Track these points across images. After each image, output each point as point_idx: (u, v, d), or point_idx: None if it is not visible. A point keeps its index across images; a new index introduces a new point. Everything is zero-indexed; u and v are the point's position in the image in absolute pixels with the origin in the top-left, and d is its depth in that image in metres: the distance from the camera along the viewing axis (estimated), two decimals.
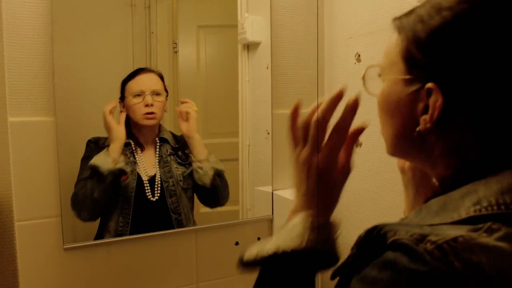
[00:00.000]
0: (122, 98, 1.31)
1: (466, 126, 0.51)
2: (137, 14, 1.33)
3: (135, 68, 1.31)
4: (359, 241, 0.51)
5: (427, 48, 0.51)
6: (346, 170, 0.62)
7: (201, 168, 1.36)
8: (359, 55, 1.36)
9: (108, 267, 1.22)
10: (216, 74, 1.49)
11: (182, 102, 1.37)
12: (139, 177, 1.31)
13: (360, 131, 0.61)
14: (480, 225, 0.44)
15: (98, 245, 1.21)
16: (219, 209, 1.41)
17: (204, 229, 1.35)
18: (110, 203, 1.27)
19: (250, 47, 1.46)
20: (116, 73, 1.33)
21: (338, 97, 0.60)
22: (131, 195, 1.29)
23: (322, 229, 0.58)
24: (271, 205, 1.44)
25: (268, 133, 1.43)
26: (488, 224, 0.44)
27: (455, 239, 0.42)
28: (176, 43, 1.41)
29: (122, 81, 1.30)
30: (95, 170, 1.22)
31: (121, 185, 1.28)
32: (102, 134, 1.27)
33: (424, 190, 0.70)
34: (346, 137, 0.61)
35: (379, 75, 0.60)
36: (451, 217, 0.47)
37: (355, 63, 1.37)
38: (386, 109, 0.58)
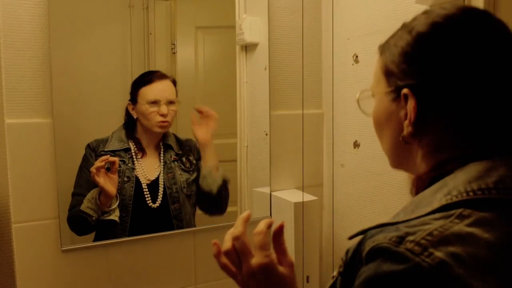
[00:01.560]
0: (133, 101, 1.30)
1: (441, 125, 0.56)
2: (135, 15, 1.33)
3: (133, 69, 1.31)
4: (346, 259, 0.53)
5: (399, 61, 0.58)
6: (289, 263, 0.65)
7: (210, 175, 1.36)
8: (356, 56, 1.36)
9: (106, 269, 1.21)
10: (214, 75, 1.49)
11: (200, 111, 1.36)
12: (137, 183, 1.29)
13: (280, 229, 0.66)
14: (452, 212, 0.48)
15: (96, 247, 1.21)
16: None
17: (202, 230, 1.35)
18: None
19: (248, 48, 1.46)
20: (114, 75, 1.33)
21: (246, 219, 0.67)
22: (129, 202, 1.27)
23: None
24: (269, 206, 1.44)
25: (266, 134, 1.43)
26: (460, 210, 0.48)
27: (430, 233, 0.45)
28: (174, 44, 1.41)
29: (134, 84, 1.29)
30: (84, 218, 1.20)
31: (123, 183, 1.27)
32: (100, 135, 1.27)
33: None
34: (273, 237, 0.65)
35: (373, 95, 0.66)
36: (425, 210, 0.50)
37: (353, 64, 1.38)
38: (378, 123, 0.64)
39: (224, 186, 1.38)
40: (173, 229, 1.32)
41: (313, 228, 1.44)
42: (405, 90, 0.57)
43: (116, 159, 1.23)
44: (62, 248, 1.15)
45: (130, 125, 1.32)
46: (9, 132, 1.07)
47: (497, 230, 0.47)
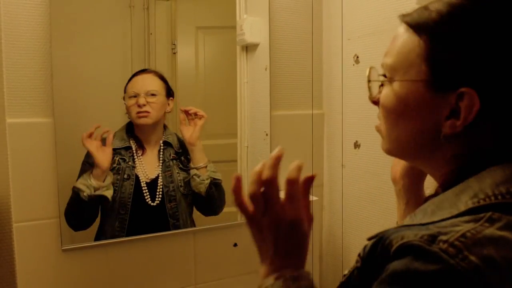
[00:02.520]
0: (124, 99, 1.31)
1: (490, 130, 0.51)
2: (135, 15, 1.33)
3: (133, 69, 1.32)
4: (364, 254, 0.50)
5: (458, 51, 0.50)
6: (310, 218, 0.60)
7: (198, 176, 1.35)
8: (357, 57, 1.36)
9: (106, 269, 1.21)
10: (214, 76, 1.49)
11: (186, 112, 1.35)
12: (137, 181, 1.30)
13: (310, 180, 0.59)
14: (481, 215, 0.46)
15: (96, 246, 1.21)
16: None
17: (202, 231, 1.35)
18: (102, 211, 1.27)
19: (249, 48, 1.47)
20: (115, 74, 1.33)
21: (278, 159, 0.58)
22: (128, 200, 1.28)
23: (304, 279, 0.56)
24: None
25: (267, 134, 1.43)
26: (489, 214, 0.45)
27: (463, 235, 0.43)
28: (174, 44, 1.41)
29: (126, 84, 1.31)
30: (77, 193, 1.21)
31: (123, 180, 1.28)
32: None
33: (415, 198, 0.71)
34: (300, 187, 0.58)
35: (384, 75, 0.59)
36: (450, 212, 0.48)
37: (353, 65, 1.38)
38: (401, 111, 0.56)
39: (212, 186, 1.36)
40: (169, 228, 1.32)
41: (313, 228, 1.44)
42: (465, 89, 0.49)
43: (109, 130, 1.25)
44: (63, 248, 1.15)
45: (131, 124, 1.33)
46: (10, 132, 1.07)
47: None
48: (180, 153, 1.37)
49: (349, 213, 1.42)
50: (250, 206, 0.59)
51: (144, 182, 1.31)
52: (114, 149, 1.27)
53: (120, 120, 1.32)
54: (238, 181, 0.59)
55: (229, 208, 1.44)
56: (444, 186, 0.55)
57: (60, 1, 1.13)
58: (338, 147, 1.47)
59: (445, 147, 0.54)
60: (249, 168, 1.48)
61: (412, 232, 0.45)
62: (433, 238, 0.44)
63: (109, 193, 1.25)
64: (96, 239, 1.25)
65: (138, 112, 1.29)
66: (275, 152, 0.58)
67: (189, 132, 1.34)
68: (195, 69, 1.46)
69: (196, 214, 1.40)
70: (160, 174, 1.33)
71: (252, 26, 1.42)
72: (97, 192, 1.23)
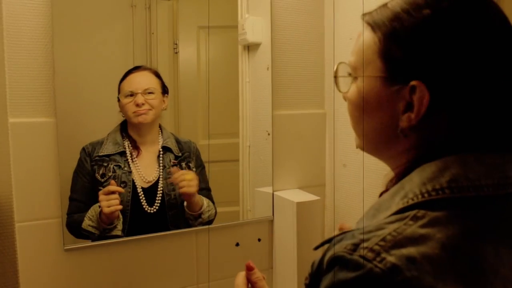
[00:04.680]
0: (118, 99, 1.28)
1: (446, 123, 0.53)
2: (137, 15, 1.33)
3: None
4: (311, 271, 0.54)
5: (408, 47, 0.52)
6: None
7: (191, 219, 1.33)
8: None
9: (108, 268, 1.21)
10: (216, 75, 1.49)
11: (174, 174, 1.31)
12: (134, 187, 1.27)
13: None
14: (406, 214, 0.49)
15: (98, 246, 1.21)
16: (219, 209, 1.40)
17: (204, 230, 1.35)
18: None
19: (251, 48, 1.46)
20: (117, 74, 1.33)
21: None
22: (126, 208, 1.25)
23: None
24: (271, 206, 1.44)
25: (269, 134, 1.43)
26: (414, 212, 0.48)
27: (384, 239, 0.46)
28: (176, 43, 1.41)
29: (119, 82, 1.29)
30: (86, 236, 1.20)
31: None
32: (103, 134, 1.27)
33: None
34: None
35: (349, 74, 0.61)
36: (385, 215, 0.51)
37: None
38: (363, 107, 0.58)
39: (207, 224, 1.35)
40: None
41: (315, 228, 1.44)
42: (415, 82, 0.52)
43: (122, 190, 1.22)
44: (65, 248, 1.15)
45: (124, 124, 1.30)
46: (13, 131, 1.07)
47: (449, 229, 0.47)
48: (180, 159, 1.34)
49: (351, 212, 1.42)
50: None
51: (141, 188, 1.28)
52: (107, 155, 1.25)
53: (121, 120, 1.31)
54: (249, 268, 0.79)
55: (231, 207, 1.44)
56: (397, 180, 0.57)
57: (62, 1, 1.13)
58: (340, 146, 1.47)
59: (404, 141, 0.56)
60: (251, 167, 1.48)
61: (340, 243, 0.48)
62: (355, 247, 0.46)
63: (119, 231, 1.24)
64: (97, 239, 1.24)
65: (136, 111, 1.26)
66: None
67: (185, 191, 1.30)
68: (196, 69, 1.46)
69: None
70: (160, 181, 1.31)
71: (254, 25, 1.42)
72: (108, 233, 1.22)
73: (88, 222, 1.20)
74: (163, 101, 1.32)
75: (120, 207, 1.21)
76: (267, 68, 1.42)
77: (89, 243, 1.20)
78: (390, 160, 0.61)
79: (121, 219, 1.24)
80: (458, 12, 0.51)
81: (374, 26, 0.56)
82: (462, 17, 0.51)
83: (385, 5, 0.56)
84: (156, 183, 1.31)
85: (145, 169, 1.30)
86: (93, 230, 1.20)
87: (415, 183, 0.51)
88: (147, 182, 1.29)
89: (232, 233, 1.38)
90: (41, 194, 1.12)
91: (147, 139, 1.32)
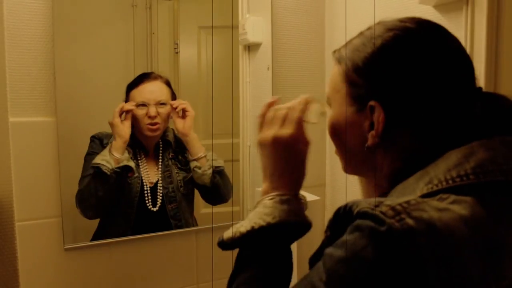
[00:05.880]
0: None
1: (409, 134, 0.57)
2: (138, 15, 1.33)
3: (136, 68, 1.31)
4: (330, 223, 0.56)
5: (364, 72, 0.59)
6: (305, 141, 0.69)
7: (199, 167, 1.33)
8: None
9: (108, 268, 1.22)
10: (217, 75, 1.49)
11: (173, 107, 1.32)
12: (142, 185, 1.29)
13: (306, 104, 0.70)
14: (432, 198, 0.50)
15: (99, 246, 1.21)
16: (220, 209, 1.41)
17: (205, 230, 1.35)
18: (114, 201, 1.26)
19: (251, 48, 1.46)
20: (117, 74, 1.33)
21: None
22: (134, 199, 1.27)
23: (292, 203, 0.65)
24: None
25: None
26: (439, 195, 0.50)
27: (407, 201, 0.48)
28: (177, 43, 1.41)
29: (127, 86, 1.29)
30: (98, 169, 1.20)
31: (128, 181, 1.26)
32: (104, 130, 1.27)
33: None
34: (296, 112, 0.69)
35: (328, 104, 0.67)
36: (409, 198, 0.51)
37: None
38: (336, 132, 0.65)
39: (216, 175, 1.34)
40: (172, 229, 1.31)
41: (315, 228, 1.44)
42: (372, 102, 0.58)
43: (131, 106, 1.25)
44: (65, 247, 1.15)
45: (132, 125, 1.31)
46: (13, 131, 1.08)
47: (475, 209, 0.48)
48: (177, 151, 1.35)
49: None
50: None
51: (148, 187, 1.30)
52: None
53: None
54: (272, 103, 0.71)
55: (231, 207, 1.44)
56: (394, 183, 0.59)
57: (63, 0, 1.13)
58: None
59: (380, 158, 0.60)
60: (252, 167, 1.48)
61: (366, 201, 0.50)
62: (379, 204, 0.48)
63: (132, 164, 1.24)
64: (97, 237, 1.25)
65: (149, 124, 1.28)
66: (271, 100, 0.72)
67: (181, 124, 1.32)
68: (197, 69, 1.46)
69: (198, 213, 1.40)
70: (159, 176, 1.32)
71: (255, 25, 1.42)
72: (121, 164, 1.22)
73: (99, 157, 1.21)
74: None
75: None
76: (268, 68, 1.42)
77: (89, 242, 1.21)
78: (371, 178, 0.65)
79: (131, 153, 1.24)
80: (402, 41, 0.58)
81: (340, 59, 0.64)
82: (409, 43, 0.58)
83: (350, 41, 0.64)
84: (158, 181, 1.32)
85: (150, 169, 1.32)
86: (105, 163, 1.20)
87: (440, 169, 0.53)
88: (151, 183, 1.31)
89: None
90: (41, 193, 1.12)
91: (153, 142, 1.34)
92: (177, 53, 1.41)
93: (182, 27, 1.42)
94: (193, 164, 1.33)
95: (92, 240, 1.24)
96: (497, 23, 0.97)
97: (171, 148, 1.35)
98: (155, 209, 1.30)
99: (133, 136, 1.30)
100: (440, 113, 0.56)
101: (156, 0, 1.36)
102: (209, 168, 1.33)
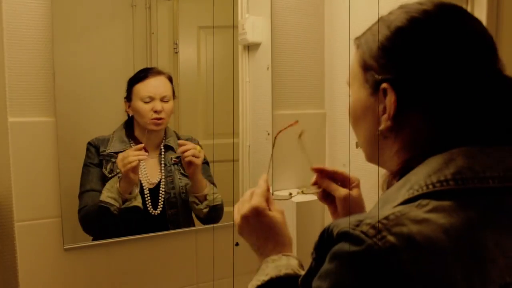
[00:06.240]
0: (128, 98, 1.29)
1: (418, 120, 0.57)
2: (137, 15, 1.33)
3: (135, 68, 1.31)
4: (315, 245, 0.56)
5: (378, 56, 0.60)
6: (277, 209, 0.82)
7: (196, 203, 1.32)
8: None
9: (108, 268, 1.21)
10: (216, 75, 1.49)
11: (182, 146, 1.31)
12: (141, 187, 1.27)
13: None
14: (412, 203, 0.51)
15: (98, 246, 1.21)
16: None
17: (204, 230, 1.35)
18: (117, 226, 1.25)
19: (251, 47, 1.46)
20: (117, 74, 1.33)
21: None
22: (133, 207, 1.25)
23: (281, 260, 0.72)
24: None
25: (268, 134, 1.43)
26: (418, 201, 0.51)
27: (386, 217, 0.48)
28: (176, 43, 1.41)
29: (129, 81, 1.29)
30: (106, 209, 1.19)
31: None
32: (104, 133, 1.27)
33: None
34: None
35: (349, 88, 0.67)
36: (391, 206, 0.53)
37: None
38: (354, 117, 0.66)
39: (212, 212, 1.34)
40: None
41: (315, 228, 1.44)
42: (384, 85, 0.58)
43: (145, 155, 1.23)
44: (65, 247, 1.15)
45: (129, 123, 1.31)
46: (12, 131, 1.08)
47: (453, 216, 0.49)
48: (180, 157, 1.34)
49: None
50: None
51: (148, 189, 1.29)
52: (115, 153, 1.25)
53: (122, 119, 1.31)
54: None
55: (231, 207, 1.44)
56: (394, 180, 0.60)
57: (62, 0, 1.13)
58: (339, 146, 1.47)
59: (389, 144, 0.60)
60: (251, 167, 1.48)
61: (346, 220, 0.50)
62: (358, 223, 0.48)
63: (138, 202, 1.23)
64: (95, 238, 1.24)
65: (155, 119, 1.27)
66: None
67: (189, 169, 1.31)
68: (197, 69, 1.46)
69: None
70: (162, 180, 1.31)
71: (254, 25, 1.42)
72: (127, 204, 1.21)
73: (106, 194, 1.20)
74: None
75: (144, 155, 1.22)
76: (267, 68, 1.42)
77: (89, 242, 1.20)
78: (385, 164, 0.65)
79: (138, 187, 1.23)
80: (416, 23, 0.58)
81: (358, 45, 0.65)
82: (417, 27, 0.58)
83: (370, 27, 0.65)
84: (159, 184, 1.31)
85: (150, 169, 1.31)
86: (112, 202, 1.19)
87: (420, 175, 0.53)
88: (151, 184, 1.30)
89: (232, 233, 1.38)
90: (40, 194, 1.12)
91: (154, 142, 1.33)
92: (176, 53, 1.41)
93: (182, 27, 1.42)
94: (191, 199, 1.33)
95: (93, 240, 1.23)
96: (497, 22, 0.97)
97: (174, 152, 1.34)
98: (156, 212, 1.29)
99: (133, 135, 1.30)
100: (453, 95, 0.56)
101: (156, 0, 1.36)
102: (205, 207, 1.33)
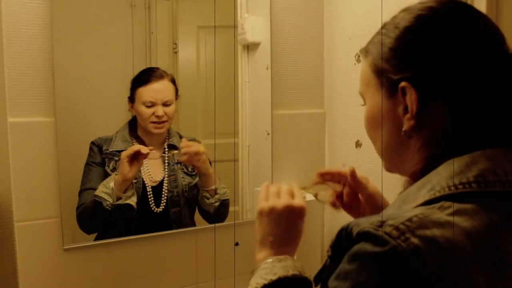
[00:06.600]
0: (132, 99, 1.29)
1: (440, 115, 0.56)
2: (137, 15, 1.33)
3: (134, 68, 1.31)
4: (332, 243, 0.55)
5: (390, 57, 0.59)
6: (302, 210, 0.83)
7: (207, 197, 1.33)
8: (359, 56, 1.36)
9: (108, 268, 1.21)
10: (216, 75, 1.49)
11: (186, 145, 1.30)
12: (143, 185, 1.28)
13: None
14: (434, 205, 0.50)
15: (98, 246, 1.21)
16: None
17: (204, 230, 1.35)
18: (114, 224, 1.25)
19: (250, 47, 1.46)
20: (116, 74, 1.33)
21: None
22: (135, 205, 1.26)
23: (289, 260, 0.72)
24: None
25: (268, 134, 1.43)
26: (441, 203, 0.50)
27: (410, 219, 0.48)
28: (176, 43, 1.41)
29: (133, 82, 1.29)
30: (99, 203, 1.20)
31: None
32: (103, 133, 1.27)
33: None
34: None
35: (363, 99, 0.67)
36: (411, 206, 0.53)
37: (355, 64, 1.38)
38: (373, 124, 0.64)
39: (221, 207, 1.35)
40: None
41: (315, 228, 1.45)
42: (403, 83, 0.57)
43: (147, 150, 1.22)
44: (64, 247, 1.15)
45: (133, 123, 1.31)
46: (12, 131, 1.07)
47: (476, 219, 0.49)
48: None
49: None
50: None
51: (150, 187, 1.29)
52: (117, 151, 1.25)
53: (122, 119, 1.32)
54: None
55: (231, 207, 1.44)
56: (413, 181, 0.59)
57: (62, 0, 1.13)
58: (339, 146, 1.47)
59: (411, 145, 0.59)
60: (250, 167, 1.48)
61: (367, 220, 0.50)
62: (381, 223, 0.48)
63: (133, 201, 1.23)
64: (97, 238, 1.25)
65: (156, 123, 1.28)
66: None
67: (199, 167, 1.32)
68: (196, 69, 1.46)
69: (198, 213, 1.39)
70: (165, 179, 1.31)
71: (254, 25, 1.42)
72: (120, 201, 1.21)
73: (101, 189, 1.20)
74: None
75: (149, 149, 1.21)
76: (267, 68, 1.42)
77: (88, 242, 1.20)
78: (405, 167, 0.63)
79: (135, 194, 1.23)
80: (424, 19, 0.58)
81: (366, 53, 0.65)
82: (427, 22, 0.58)
83: (375, 35, 0.65)
84: (162, 182, 1.31)
85: (152, 168, 1.31)
86: (106, 197, 1.20)
87: (442, 176, 0.53)
88: (154, 182, 1.30)
89: (232, 233, 1.38)
90: (40, 194, 1.12)
91: (157, 141, 1.33)
92: (176, 53, 1.41)
93: (181, 27, 1.42)
94: (202, 193, 1.34)
95: (95, 240, 1.23)
96: (496, 22, 0.97)
97: (177, 152, 1.34)
98: (159, 210, 1.29)
99: (136, 134, 1.30)
100: (471, 85, 0.55)
101: (155, 0, 1.36)
102: (216, 202, 1.34)
